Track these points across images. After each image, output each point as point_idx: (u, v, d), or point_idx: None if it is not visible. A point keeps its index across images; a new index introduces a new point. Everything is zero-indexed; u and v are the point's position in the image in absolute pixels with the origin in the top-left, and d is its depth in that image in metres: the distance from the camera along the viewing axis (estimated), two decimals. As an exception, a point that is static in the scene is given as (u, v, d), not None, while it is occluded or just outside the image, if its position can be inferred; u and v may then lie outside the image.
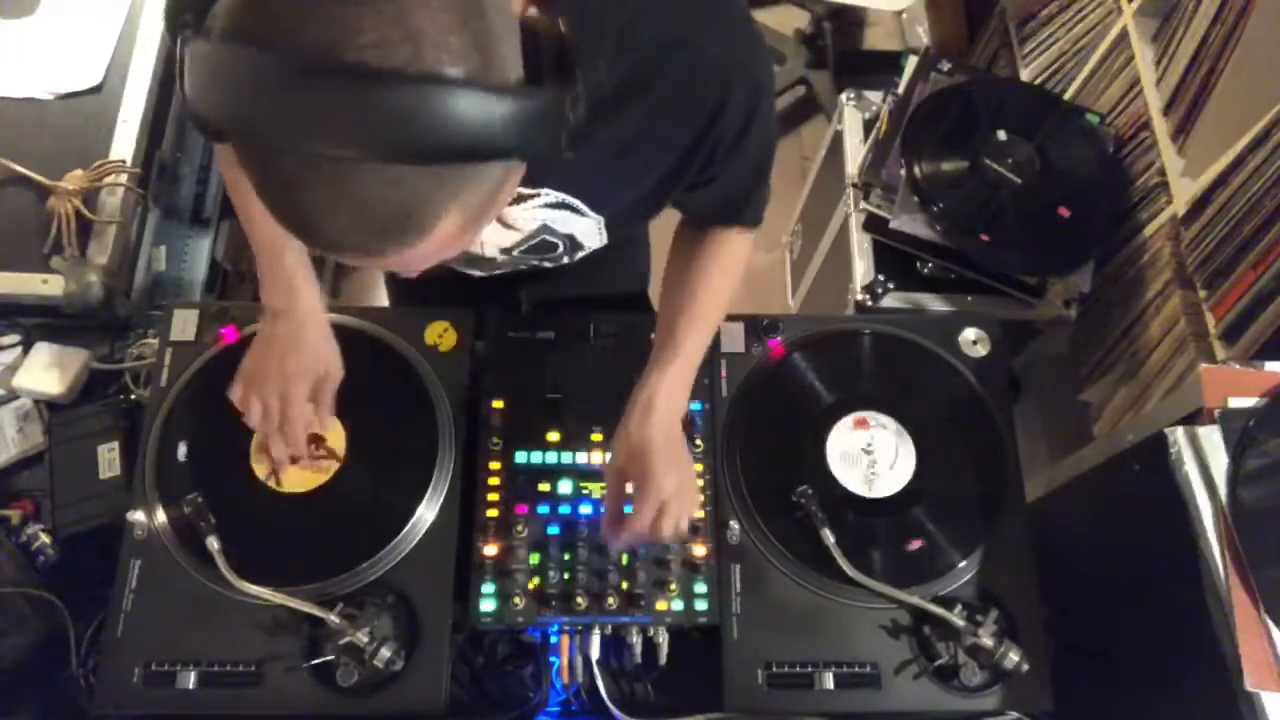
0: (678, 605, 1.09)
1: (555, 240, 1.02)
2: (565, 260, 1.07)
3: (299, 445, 1.08)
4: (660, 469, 1.00)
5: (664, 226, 1.14)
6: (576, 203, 0.95)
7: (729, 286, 1.09)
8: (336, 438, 1.14)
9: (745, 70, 0.84)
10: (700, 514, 1.11)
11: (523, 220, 0.97)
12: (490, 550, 1.10)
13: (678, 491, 1.01)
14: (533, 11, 0.65)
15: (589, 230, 1.00)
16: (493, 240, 1.00)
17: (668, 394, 1.03)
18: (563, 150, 0.61)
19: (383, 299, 2.34)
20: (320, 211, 0.56)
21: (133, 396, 1.28)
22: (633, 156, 0.86)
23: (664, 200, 0.97)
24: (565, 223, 0.98)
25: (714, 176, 0.92)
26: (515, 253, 1.04)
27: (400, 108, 0.53)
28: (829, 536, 1.09)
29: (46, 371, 1.27)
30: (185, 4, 0.75)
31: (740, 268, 1.10)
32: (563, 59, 0.61)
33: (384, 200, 0.56)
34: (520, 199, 0.92)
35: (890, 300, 1.78)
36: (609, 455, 1.08)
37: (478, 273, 1.16)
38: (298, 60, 0.52)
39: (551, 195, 0.93)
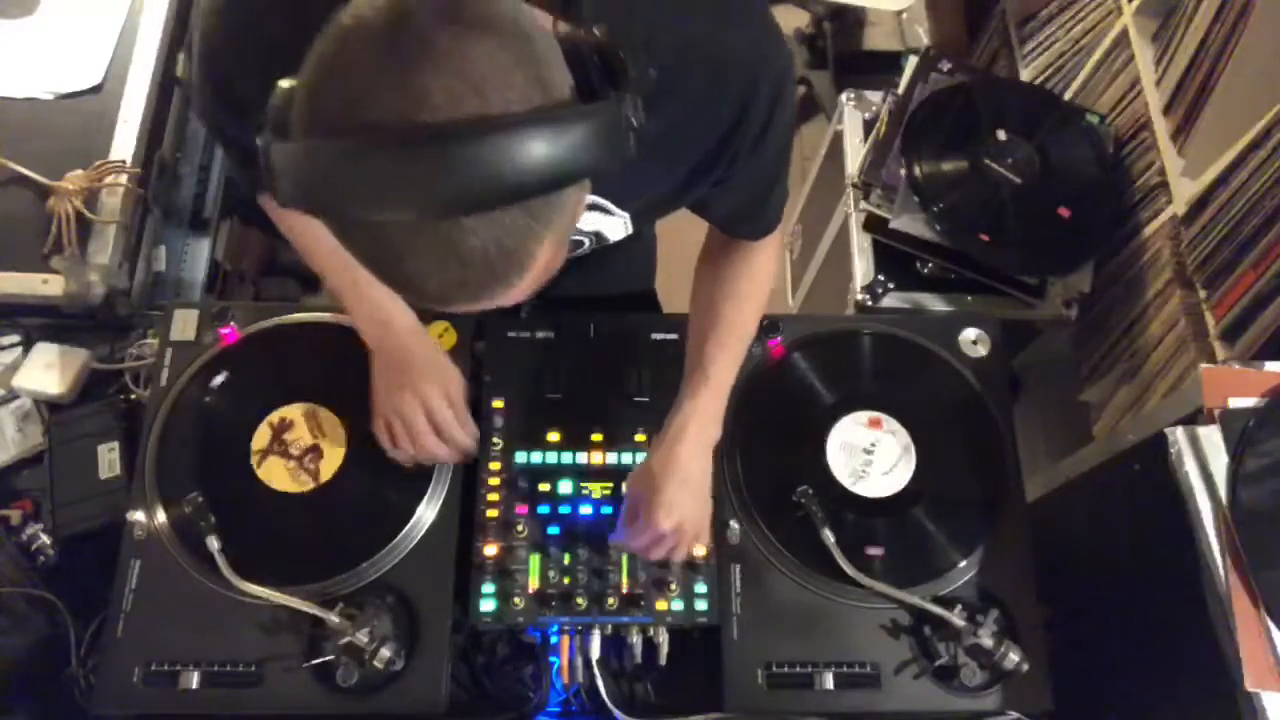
0: (678, 605, 1.09)
1: (582, 238, 1.02)
2: (587, 251, 1.07)
3: (463, 442, 1.07)
4: (664, 505, 1.00)
5: (669, 226, 1.14)
6: (605, 203, 0.95)
7: (759, 301, 1.09)
8: (337, 438, 1.15)
9: (770, 63, 0.84)
10: (706, 543, 1.10)
11: None
12: (490, 550, 1.10)
13: (676, 530, 1.02)
14: (563, 27, 0.65)
15: (615, 226, 1.00)
16: None
17: (699, 423, 1.03)
18: (632, 153, 0.63)
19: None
20: (428, 271, 0.59)
21: (133, 396, 1.28)
22: (661, 155, 0.86)
23: (691, 194, 0.96)
24: (593, 221, 0.98)
25: (739, 170, 0.92)
26: None
27: (485, 156, 0.55)
28: (829, 536, 1.09)
29: (46, 371, 1.27)
30: (239, 103, 0.77)
31: (768, 279, 1.10)
32: (609, 64, 0.62)
33: (486, 246, 0.58)
34: None
35: (890, 300, 1.78)
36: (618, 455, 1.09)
37: None
38: (378, 138, 0.55)
39: None
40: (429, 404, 1.04)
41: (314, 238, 1.04)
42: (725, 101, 0.84)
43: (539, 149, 0.56)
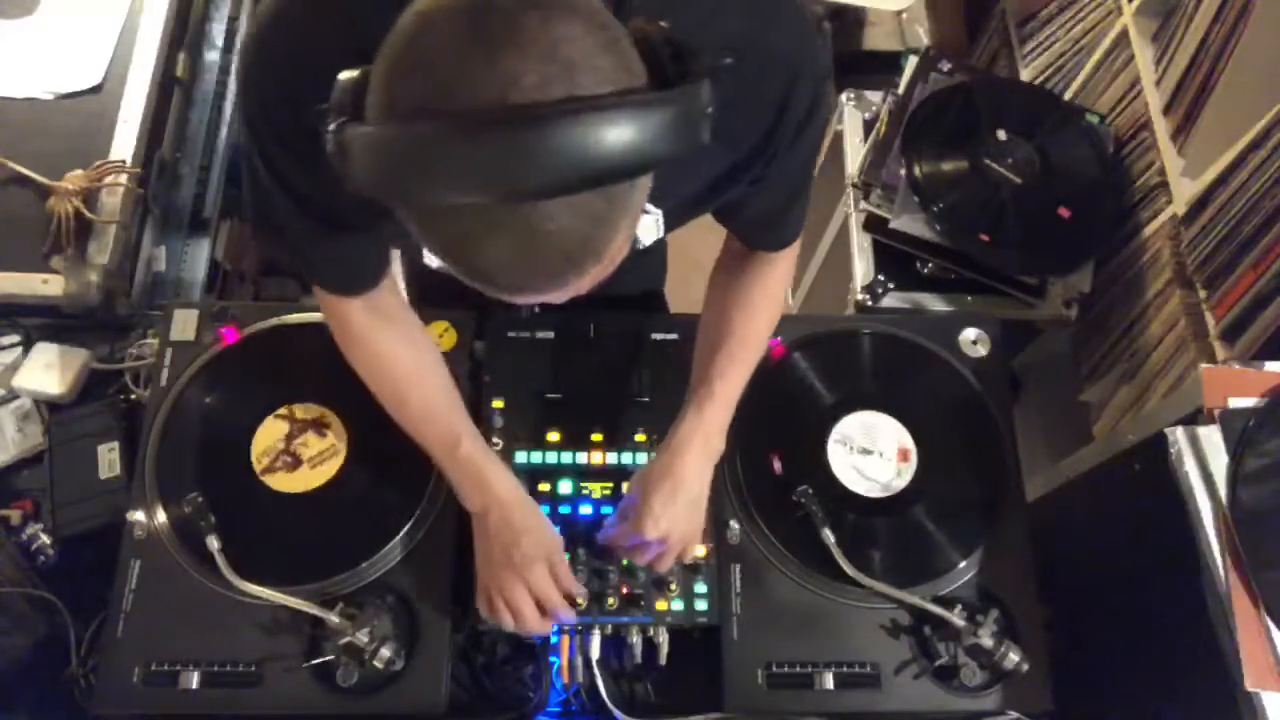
0: (678, 605, 1.09)
1: None
2: None
3: (564, 614, 1.04)
4: (652, 516, 1.00)
5: (685, 229, 1.13)
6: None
7: (772, 314, 1.08)
8: (336, 438, 1.15)
9: (809, 65, 0.84)
10: (694, 557, 1.10)
11: None
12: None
13: (661, 541, 1.01)
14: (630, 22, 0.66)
15: (648, 226, 0.99)
16: None
17: (703, 436, 1.03)
18: (707, 139, 0.63)
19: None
20: (505, 258, 0.59)
21: (133, 396, 1.28)
22: (701, 154, 0.86)
23: (725, 194, 0.96)
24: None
25: (774, 170, 0.91)
26: None
27: (575, 139, 0.54)
28: (829, 536, 1.09)
29: (46, 371, 1.27)
30: (294, 96, 0.75)
31: (783, 293, 1.09)
32: (677, 52, 0.62)
33: (565, 233, 0.58)
34: None
35: (890, 300, 1.78)
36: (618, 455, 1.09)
37: None
38: (475, 120, 0.54)
39: None
40: (535, 586, 1.01)
41: (418, 398, 1.03)
42: (766, 99, 0.84)
43: (626, 133, 0.56)
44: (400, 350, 1.03)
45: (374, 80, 0.59)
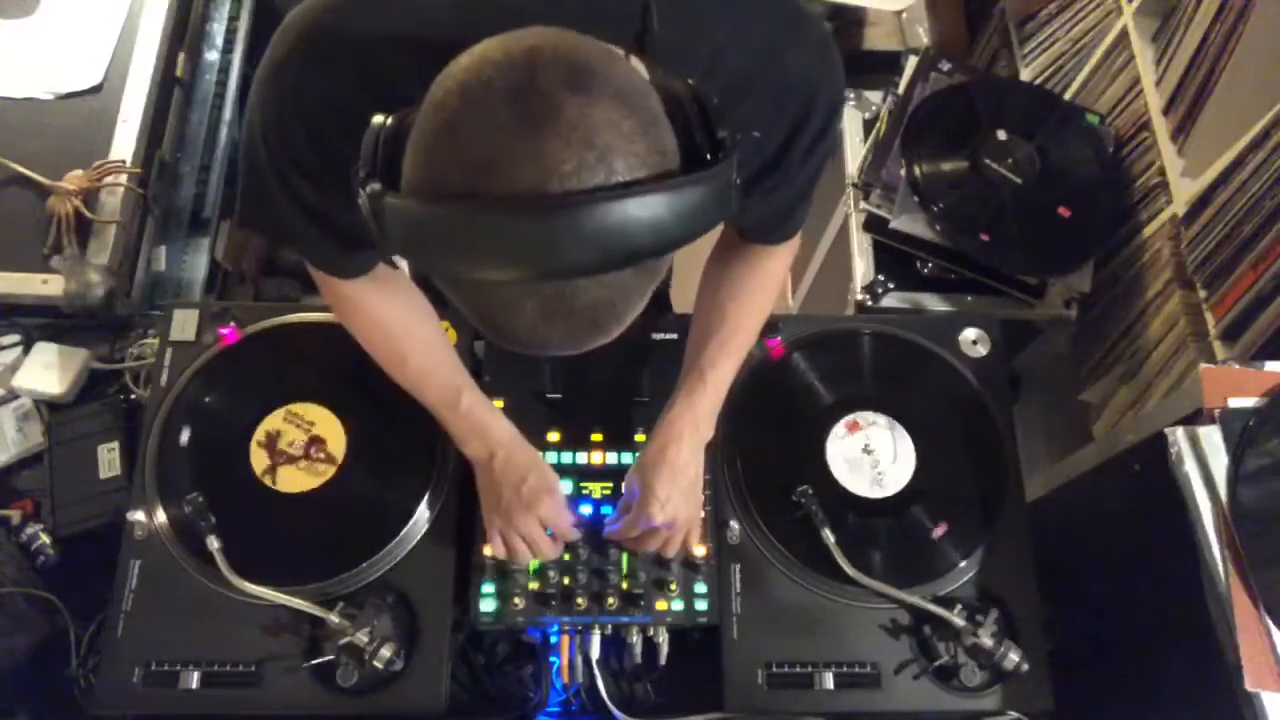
0: (678, 605, 1.09)
1: None
2: None
3: (572, 538, 1.09)
4: (657, 501, 1.01)
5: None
6: None
7: (766, 305, 1.09)
8: (336, 438, 1.15)
9: (826, 88, 0.85)
10: (699, 538, 1.10)
11: None
12: (490, 550, 1.10)
13: (668, 525, 1.03)
14: (656, 78, 0.66)
15: None
16: None
17: (693, 421, 1.04)
18: (736, 211, 0.65)
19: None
20: (536, 325, 0.61)
21: (133, 396, 1.28)
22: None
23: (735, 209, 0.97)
24: None
25: (779, 185, 0.92)
26: None
27: (607, 224, 0.57)
28: (829, 536, 1.09)
29: (46, 371, 1.27)
30: (315, 129, 0.77)
31: (778, 284, 1.09)
32: (704, 112, 0.63)
33: (595, 304, 0.61)
34: None
35: (890, 300, 1.78)
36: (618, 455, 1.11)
37: None
38: (515, 205, 0.56)
39: None
40: (545, 517, 1.05)
41: (415, 362, 1.05)
42: (783, 118, 0.84)
43: (658, 217, 0.58)
44: (397, 313, 1.05)
45: (412, 150, 0.60)
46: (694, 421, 1.04)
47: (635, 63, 0.67)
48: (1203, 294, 1.57)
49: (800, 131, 0.85)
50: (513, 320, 0.62)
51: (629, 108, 0.59)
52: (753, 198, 0.93)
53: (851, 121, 1.97)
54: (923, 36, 2.80)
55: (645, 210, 0.57)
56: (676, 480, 1.03)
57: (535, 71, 0.57)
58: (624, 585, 1.09)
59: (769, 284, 1.08)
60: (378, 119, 0.63)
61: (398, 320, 1.05)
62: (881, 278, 1.78)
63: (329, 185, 0.80)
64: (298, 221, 0.87)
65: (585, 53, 0.60)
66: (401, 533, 1.10)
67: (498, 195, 0.57)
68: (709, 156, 0.62)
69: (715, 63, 0.78)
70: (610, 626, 1.09)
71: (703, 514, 1.09)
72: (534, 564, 1.09)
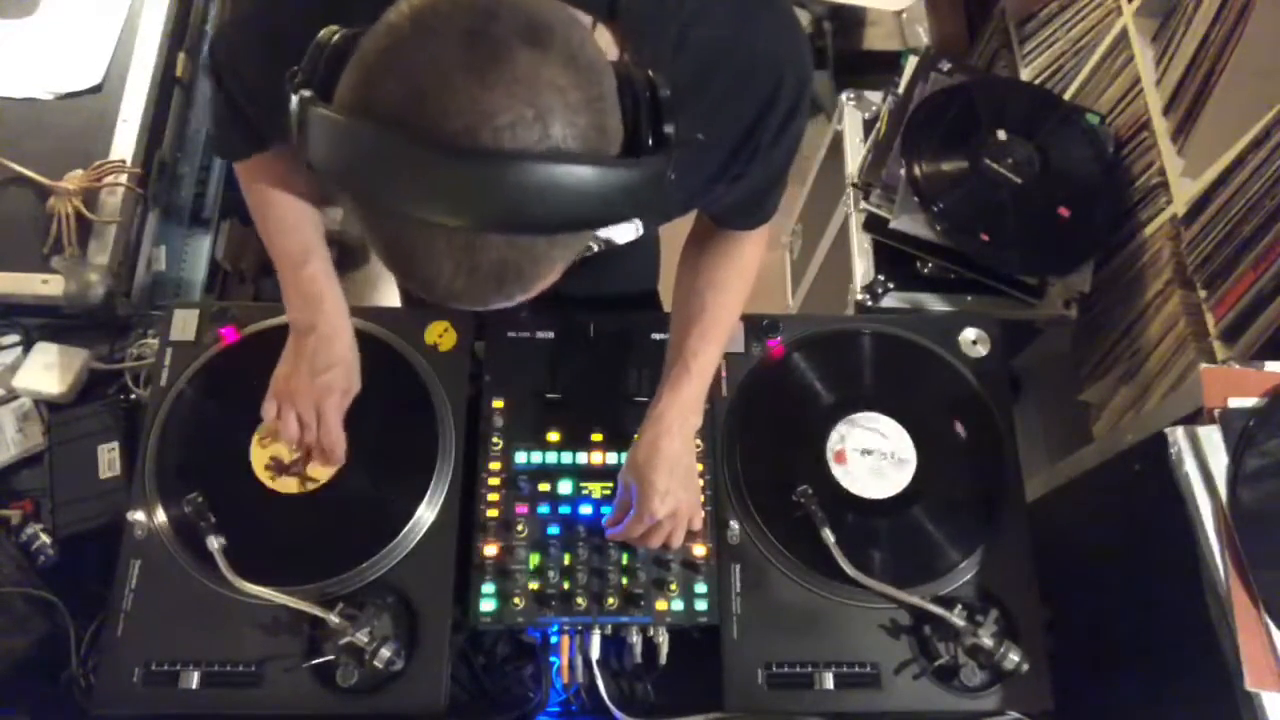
0: (678, 605, 1.09)
1: (593, 243, 1.02)
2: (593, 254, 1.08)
3: (336, 457, 1.10)
4: (658, 494, 1.02)
5: (671, 227, 1.14)
6: None
7: (743, 291, 1.09)
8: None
9: (793, 67, 0.84)
10: (701, 523, 1.10)
11: None
12: (490, 550, 1.10)
13: (671, 514, 1.03)
14: (613, 49, 0.66)
15: (625, 229, 1.00)
16: None
17: (680, 412, 1.04)
18: (663, 210, 0.64)
19: (381, 298, 2.34)
20: (440, 272, 0.60)
21: (133, 396, 1.28)
22: (683, 158, 0.86)
23: (706, 195, 0.97)
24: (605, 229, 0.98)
25: (752, 169, 0.92)
26: None
27: (530, 185, 0.56)
28: (829, 536, 1.09)
29: (46, 371, 1.27)
30: (268, 53, 0.76)
31: (754, 268, 1.10)
32: (657, 112, 0.63)
33: (502, 262, 0.59)
34: None
35: (890, 300, 1.78)
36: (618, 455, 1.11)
37: None
38: (442, 143, 0.55)
39: None
40: (327, 412, 1.07)
41: (268, 205, 1.06)
42: (750, 100, 0.84)
43: (584, 192, 0.57)
44: (278, 184, 1.05)
45: (353, 67, 0.58)
46: (682, 413, 1.05)
47: (603, 33, 0.66)
48: (1203, 294, 1.57)
49: (769, 111, 0.85)
50: (416, 261, 0.60)
51: (579, 77, 0.57)
52: (723, 183, 0.93)
53: (851, 121, 1.97)
54: (923, 36, 2.80)
55: (570, 182, 0.56)
56: (674, 471, 1.03)
57: (495, 16, 0.56)
58: (624, 585, 1.09)
59: (745, 270, 1.09)
60: (328, 30, 0.62)
61: (276, 187, 1.04)
62: (881, 278, 1.78)
63: (263, 101, 0.82)
64: (220, 109, 0.92)
65: (550, 12, 0.59)
66: (401, 533, 1.10)
67: (426, 129, 0.55)
68: (650, 147, 0.62)
69: (684, 38, 0.77)
70: (610, 626, 1.09)
71: (702, 498, 1.10)
72: (534, 563, 1.10)
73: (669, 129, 0.62)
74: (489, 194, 0.56)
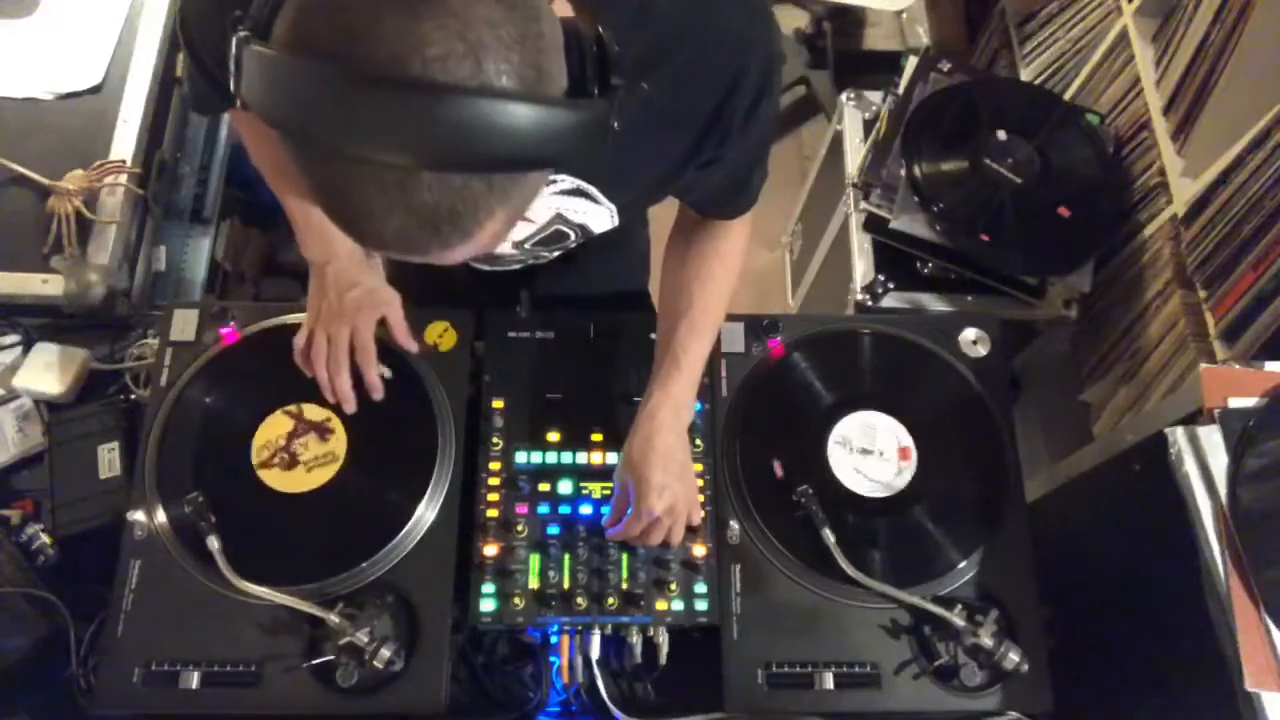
0: (678, 605, 1.09)
1: (568, 230, 1.02)
2: (573, 246, 1.08)
3: (370, 373, 1.10)
4: (655, 490, 1.02)
5: (662, 225, 1.14)
6: (591, 189, 0.95)
7: (729, 283, 1.09)
8: (337, 438, 1.15)
9: (761, 42, 0.84)
10: (700, 517, 1.11)
11: (537, 211, 0.97)
12: (490, 550, 1.10)
13: (670, 510, 1.04)
14: (569, 10, 0.65)
15: (601, 217, 1.00)
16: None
17: (673, 408, 1.05)
18: (603, 155, 0.63)
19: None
20: (374, 213, 0.58)
21: (133, 396, 1.28)
22: (650, 134, 0.86)
23: (677, 180, 0.96)
24: (579, 212, 0.98)
25: (725, 153, 0.92)
26: (528, 245, 1.04)
27: (462, 120, 0.55)
28: (829, 536, 1.09)
29: (46, 371, 1.27)
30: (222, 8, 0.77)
31: (740, 260, 1.10)
32: (604, 63, 0.62)
33: (436, 204, 0.58)
34: None
35: (890, 300, 1.78)
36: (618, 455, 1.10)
37: (486, 267, 1.16)
38: (369, 74, 0.54)
39: (567, 181, 0.93)
40: (360, 331, 1.07)
41: (272, 148, 1.05)
42: (715, 76, 0.84)
43: (518, 129, 0.56)
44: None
45: (288, 5, 0.58)
46: (674, 408, 1.05)
47: (563, 6, 0.65)
48: (1203, 294, 1.57)
49: (736, 91, 0.84)
50: (351, 204, 0.59)
51: (514, 14, 0.56)
52: (695, 167, 0.93)
53: (851, 121, 1.97)
54: (923, 36, 2.80)
55: (502, 119, 0.55)
56: (669, 467, 1.03)
57: None
58: (624, 585, 1.09)
59: (731, 262, 1.09)
60: None
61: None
62: (881, 278, 1.78)
63: (222, 56, 0.82)
64: (191, 69, 0.92)
65: None
66: (401, 533, 1.10)
67: (355, 61, 0.54)
68: (595, 96, 0.61)
69: (646, 12, 0.77)
70: (610, 626, 1.09)
71: (701, 498, 1.10)
72: (534, 563, 1.10)
73: (616, 80, 0.62)
74: (418, 127, 0.54)
